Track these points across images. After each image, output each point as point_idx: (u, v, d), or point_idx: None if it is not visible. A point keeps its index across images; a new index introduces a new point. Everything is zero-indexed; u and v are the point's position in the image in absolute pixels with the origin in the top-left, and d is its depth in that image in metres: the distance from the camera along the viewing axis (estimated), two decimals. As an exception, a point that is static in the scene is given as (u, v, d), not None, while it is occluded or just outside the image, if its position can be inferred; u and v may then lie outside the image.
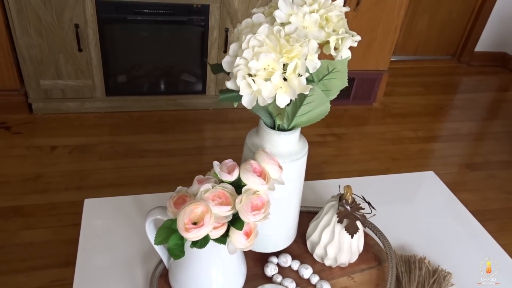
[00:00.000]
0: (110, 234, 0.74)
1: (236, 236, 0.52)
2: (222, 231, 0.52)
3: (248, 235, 0.53)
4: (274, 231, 0.67)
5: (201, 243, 0.51)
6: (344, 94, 2.10)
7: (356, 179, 0.91)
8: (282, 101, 0.47)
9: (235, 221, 0.53)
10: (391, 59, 2.16)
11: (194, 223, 0.49)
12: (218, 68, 0.58)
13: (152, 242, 0.63)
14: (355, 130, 1.94)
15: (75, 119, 1.78)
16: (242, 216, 0.51)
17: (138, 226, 0.76)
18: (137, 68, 1.82)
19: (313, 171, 0.76)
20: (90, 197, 1.38)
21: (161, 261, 0.67)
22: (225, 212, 0.51)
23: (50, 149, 1.60)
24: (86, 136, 1.69)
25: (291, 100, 0.53)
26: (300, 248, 0.73)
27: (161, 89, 1.87)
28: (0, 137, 1.63)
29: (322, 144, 1.79)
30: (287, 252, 0.71)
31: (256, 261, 0.70)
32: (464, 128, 2.06)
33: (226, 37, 1.78)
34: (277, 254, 0.71)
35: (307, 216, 0.77)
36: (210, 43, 1.78)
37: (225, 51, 1.81)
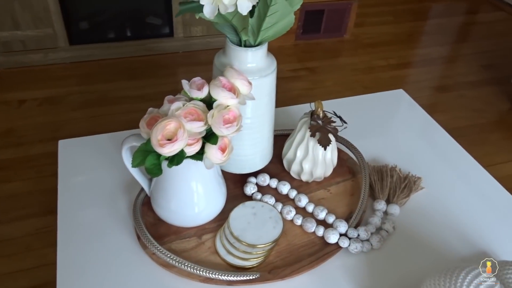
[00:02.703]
0: (88, 171, 0.74)
1: (211, 151, 0.53)
2: (197, 147, 0.53)
3: (223, 150, 0.54)
4: (250, 151, 0.69)
5: (177, 160, 0.52)
6: (314, 27, 2.07)
7: (329, 101, 0.92)
8: (244, 7, 0.46)
9: (210, 137, 0.54)
10: (361, -11, 2.12)
11: (168, 140, 0.50)
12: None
13: (131, 169, 0.64)
14: (327, 62, 1.94)
15: (41, 71, 1.72)
16: (215, 129, 0.52)
17: (116, 161, 0.76)
18: (99, 13, 1.74)
19: (289, 104, 0.77)
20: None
21: (142, 189, 0.69)
22: (198, 127, 0.52)
23: (18, 103, 1.55)
24: (54, 88, 1.64)
25: (253, 11, 0.53)
26: (277, 167, 0.76)
27: (128, 34, 1.81)
28: (-37, 96, 1.57)
29: (296, 78, 1.79)
30: (265, 172, 0.73)
31: (235, 182, 0.73)
32: (434, 53, 2.09)
33: (189, -27, 1.71)
34: (255, 174, 0.73)
35: (282, 139, 0.79)
36: (173, -19, 1.71)
37: (190, -12, 1.74)
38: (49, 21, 1.65)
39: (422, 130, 0.90)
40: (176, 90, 1.67)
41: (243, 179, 0.73)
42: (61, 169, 0.75)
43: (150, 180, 0.66)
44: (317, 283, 0.60)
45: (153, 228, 0.64)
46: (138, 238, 0.63)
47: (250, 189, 0.71)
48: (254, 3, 0.45)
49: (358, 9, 2.13)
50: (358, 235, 0.65)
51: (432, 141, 0.87)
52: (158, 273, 0.60)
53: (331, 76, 1.86)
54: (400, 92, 1.01)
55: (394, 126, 0.91)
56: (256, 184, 0.72)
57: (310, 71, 1.87)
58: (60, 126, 1.48)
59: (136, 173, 0.65)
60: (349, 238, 0.65)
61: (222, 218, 0.66)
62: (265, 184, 0.73)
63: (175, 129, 0.49)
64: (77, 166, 0.75)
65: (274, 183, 0.73)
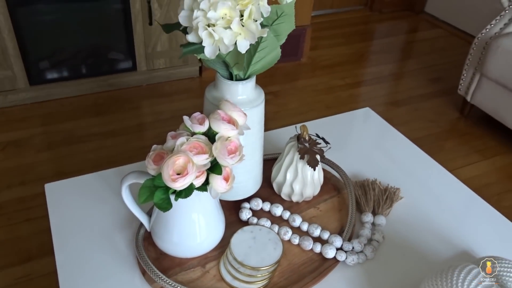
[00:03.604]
0: (80, 213, 0.74)
1: (216, 181, 0.56)
2: (203, 179, 0.55)
3: (226, 179, 0.57)
4: (244, 177, 0.72)
5: (186, 192, 0.54)
6: (273, 53, 2.15)
7: (303, 124, 0.97)
8: (243, 46, 0.50)
9: (214, 168, 0.56)
10: (312, 15, 2.24)
11: (178, 174, 0.52)
12: (169, 27, 0.60)
13: (131, 207, 0.65)
14: (289, 86, 2.02)
15: (1, 114, 1.66)
16: (221, 160, 0.55)
17: (105, 199, 0.76)
18: (59, 52, 1.72)
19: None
20: (37, 191, 1.33)
21: (141, 226, 0.69)
22: (204, 160, 0.54)
23: (-21, 150, 1.49)
24: (16, 130, 1.59)
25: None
26: (267, 191, 0.79)
27: (90, 71, 1.80)
28: None
29: (261, 103, 1.85)
30: (257, 197, 0.76)
31: (229, 209, 0.75)
32: (385, 70, 2.23)
33: (150, 8, 1.74)
34: (248, 200, 0.76)
35: (268, 163, 0.83)
36: (133, 17, 1.73)
37: (151, 23, 1.77)
38: (8, 64, 1.61)
39: (393, 144, 0.97)
40: (142, 124, 1.68)
41: (236, 205, 0.76)
42: (52, 212, 0.74)
43: (149, 215, 0.67)
44: (322, 298, 0.63)
45: (157, 262, 0.65)
46: (143, 273, 0.64)
47: (245, 214, 0.73)
48: (253, 42, 0.49)
49: (312, 33, 2.24)
50: (353, 247, 0.69)
51: (402, 153, 0.94)
52: (168, 306, 0.61)
53: (294, 98, 1.93)
54: (367, 110, 1.09)
55: (366, 141, 0.97)
56: (250, 208, 0.75)
57: (273, 95, 1.94)
58: (27, 170, 1.43)
59: (136, 210, 0.66)
60: (345, 251, 0.69)
61: (223, 245, 0.68)
62: (259, 208, 0.76)
63: (185, 164, 0.52)
64: (67, 208, 0.75)
65: (267, 206, 0.76)
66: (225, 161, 0.54)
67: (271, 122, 1.62)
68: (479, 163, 1.63)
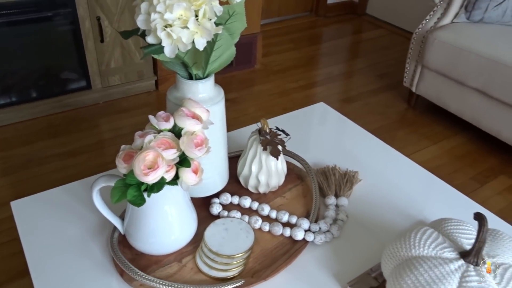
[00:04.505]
0: (50, 227, 0.74)
1: (186, 174, 0.59)
2: (173, 173, 0.58)
3: (195, 172, 0.60)
4: (211, 173, 0.75)
5: (158, 187, 0.57)
6: (226, 62, 2.21)
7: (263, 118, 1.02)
8: (201, 44, 0.54)
9: (183, 162, 0.59)
10: (261, 23, 2.32)
11: (149, 169, 0.55)
12: (127, 33, 0.62)
13: (103, 211, 0.67)
14: (245, 92, 2.07)
15: (-50, 145, 1.60)
16: (189, 153, 0.58)
17: (73, 211, 0.77)
18: (9, 76, 1.68)
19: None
20: (2, 216, 1.29)
21: (114, 230, 0.71)
22: (172, 154, 0.57)
23: None
24: (-31, 159, 1.54)
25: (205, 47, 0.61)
26: (235, 186, 0.83)
27: (43, 93, 1.76)
28: None
29: (220, 111, 1.89)
30: (225, 192, 0.80)
31: (200, 206, 0.78)
32: (335, 71, 2.33)
33: (100, 25, 1.74)
34: (217, 195, 0.79)
35: (233, 160, 0.87)
36: (84, 35, 1.72)
37: (102, 40, 1.77)
38: (-44, 91, 1.56)
39: (348, 133, 1.04)
40: (102, 141, 1.67)
41: (206, 202, 0.79)
42: (21, 229, 0.74)
43: (122, 219, 0.69)
44: (294, 278, 0.67)
45: (134, 263, 0.67)
46: (121, 274, 0.65)
47: (216, 208, 0.76)
48: (209, 39, 0.53)
49: (262, 41, 2.31)
50: (320, 228, 0.74)
51: (358, 141, 1.00)
52: (150, 302, 0.62)
53: (251, 103, 1.99)
54: (322, 105, 1.15)
55: (323, 133, 1.03)
56: (220, 203, 0.78)
57: (231, 102, 1.98)
58: (-15, 198, 1.39)
59: (108, 214, 0.67)
60: (313, 232, 0.73)
61: (196, 240, 0.71)
62: (228, 202, 0.79)
63: (154, 158, 0.54)
64: (37, 223, 0.74)
65: (236, 199, 0.79)
66: (193, 153, 0.57)
67: (232, 128, 1.65)
68: (428, 148, 1.75)
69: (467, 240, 0.60)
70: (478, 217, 0.56)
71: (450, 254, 0.58)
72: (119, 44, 1.82)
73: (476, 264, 0.56)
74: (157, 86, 2.02)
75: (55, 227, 0.74)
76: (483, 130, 1.69)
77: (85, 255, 0.69)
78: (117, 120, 1.79)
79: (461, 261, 0.57)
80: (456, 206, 0.83)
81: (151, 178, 0.53)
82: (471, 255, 0.56)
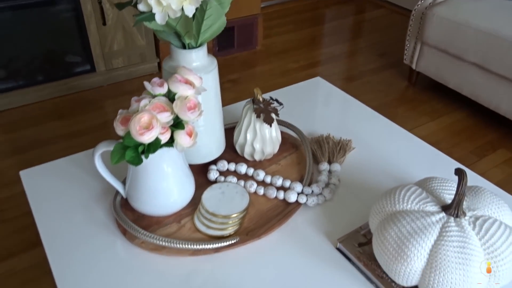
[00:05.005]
0: (57, 194, 0.78)
1: (181, 136, 0.62)
2: (168, 135, 0.61)
3: (190, 134, 0.63)
4: (207, 140, 0.78)
5: (154, 148, 0.60)
6: (229, 43, 2.23)
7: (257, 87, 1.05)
8: (190, 10, 0.57)
9: (177, 125, 0.63)
10: (262, 6, 2.33)
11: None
12: (121, 5, 0.65)
13: (105, 175, 0.70)
14: (247, 73, 2.10)
15: (-39, 127, 1.65)
16: (182, 116, 0.61)
17: (79, 180, 0.81)
18: (15, 60, 1.72)
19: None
20: (9, 194, 1.34)
21: (116, 194, 0.75)
22: (167, 117, 0.61)
23: None
24: (-21, 141, 1.59)
25: (194, 16, 0.64)
26: (231, 155, 0.86)
27: (48, 76, 1.80)
28: None
29: (222, 90, 1.92)
30: (222, 159, 0.83)
31: (198, 173, 0.81)
32: (336, 51, 2.34)
33: (101, 8, 1.77)
34: (214, 162, 0.83)
35: (230, 131, 0.90)
36: (86, 18, 1.75)
37: (104, 23, 1.80)
38: (-36, 74, 1.61)
39: (342, 104, 1.06)
40: (107, 122, 1.72)
41: (204, 168, 0.82)
42: (30, 196, 0.78)
43: (124, 183, 0.73)
44: (287, 236, 0.71)
45: (136, 223, 0.70)
46: (124, 234, 0.69)
47: (213, 174, 0.80)
48: (197, 5, 0.56)
49: (263, 23, 2.33)
50: (312, 191, 0.77)
51: (352, 112, 1.03)
52: (150, 258, 0.66)
53: (252, 84, 2.01)
54: (318, 79, 1.17)
55: (318, 105, 1.06)
56: (217, 170, 0.82)
57: (233, 82, 2.01)
58: (-5, 177, 1.44)
59: (110, 178, 0.71)
60: (306, 195, 0.76)
61: (194, 203, 0.74)
62: (225, 169, 0.82)
63: (149, 120, 0.58)
64: (45, 191, 0.79)
65: (232, 166, 0.83)
66: (186, 116, 0.61)
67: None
68: (428, 124, 1.77)
69: (450, 195, 0.63)
70: (458, 172, 0.59)
71: (432, 207, 0.61)
72: (121, 27, 1.85)
73: (457, 216, 0.59)
74: (159, 68, 2.05)
75: (62, 194, 0.78)
76: (482, 104, 1.70)
77: (91, 218, 0.73)
78: (121, 102, 1.83)
79: (443, 214, 0.60)
80: (448, 172, 0.85)
81: (146, 138, 0.57)
82: (452, 208, 0.59)
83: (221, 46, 2.21)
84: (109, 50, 1.88)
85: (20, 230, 1.24)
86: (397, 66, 2.17)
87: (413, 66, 1.94)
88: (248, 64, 2.17)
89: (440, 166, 0.87)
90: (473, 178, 0.83)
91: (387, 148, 0.91)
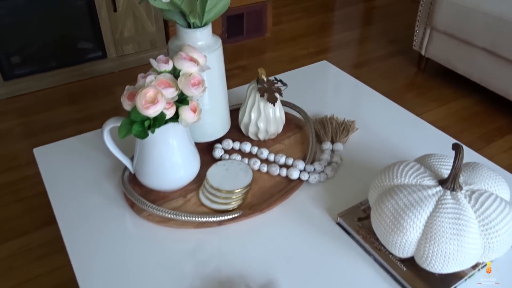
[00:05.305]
0: (68, 170, 0.81)
1: (185, 112, 0.65)
2: (173, 111, 0.64)
3: (194, 110, 0.66)
4: (212, 119, 0.80)
5: (159, 122, 0.63)
6: (238, 30, 2.24)
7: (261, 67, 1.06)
8: (194, -12, 0.58)
9: (182, 101, 0.65)
10: (271, -9, 2.32)
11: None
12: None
13: (114, 151, 0.73)
14: (256, 59, 2.11)
15: (-23, 112, 1.70)
16: (186, 91, 0.63)
17: (90, 157, 0.84)
18: (28, 46, 1.76)
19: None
20: (24, 174, 1.39)
21: (124, 170, 0.78)
22: (171, 93, 0.63)
23: (-40, 144, 1.53)
24: (-5, 124, 1.64)
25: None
26: (237, 135, 0.88)
27: (61, 62, 1.84)
28: None
29: (231, 77, 1.94)
30: (228, 138, 0.85)
31: (204, 151, 0.84)
32: (345, 38, 2.34)
33: (112, -5, 1.79)
34: (220, 141, 0.85)
35: (236, 113, 0.92)
36: (97, 5, 1.78)
37: (115, 9, 1.83)
38: (-20, 60, 1.66)
39: (347, 87, 1.07)
40: (117, 106, 1.75)
41: (210, 147, 0.84)
42: (43, 172, 0.81)
43: (132, 159, 0.75)
44: (289, 211, 0.73)
45: (143, 198, 0.73)
46: (132, 207, 0.72)
47: (218, 152, 0.82)
48: (202, -17, 0.58)
49: (273, 10, 2.33)
50: (314, 168, 0.79)
51: (357, 94, 1.04)
52: (156, 230, 0.69)
53: (261, 70, 2.02)
54: (324, 63, 1.18)
55: (323, 87, 1.07)
56: (222, 148, 0.84)
57: (242, 68, 2.02)
58: (11, 158, 1.48)
59: (119, 154, 0.74)
60: (308, 172, 0.78)
61: (199, 180, 0.77)
62: (230, 147, 0.85)
63: (154, 95, 0.60)
64: (57, 167, 0.82)
65: (237, 145, 0.85)
66: (190, 92, 0.63)
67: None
68: (436, 110, 1.76)
69: (447, 171, 0.65)
70: (455, 147, 0.61)
71: (429, 181, 0.62)
72: (131, 13, 1.87)
73: (453, 190, 0.61)
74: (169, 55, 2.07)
75: (73, 170, 0.81)
76: (491, 90, 1.69)
77: (100, 193, 0.76)
78: (131, 88, 1.86)
79: (439, 187, 0.61)
80: (450, 151, 0.86)
81: (152, 112, 0.59)
82: (448, 182, 0.61)
83: (230, 33, 2.22)
84: (120, 36, 1.91)
85: (35, 209, 1.28)
86: (407, 53, 2.16)
87: (422, 52, 1.93)
88: (257, 51, 2.18)
89: (444, 147, 0.87)
90: (470, 154, 0.84)
91: (390, 129, 0.92)
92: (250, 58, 2.12)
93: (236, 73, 1.99)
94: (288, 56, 2.14)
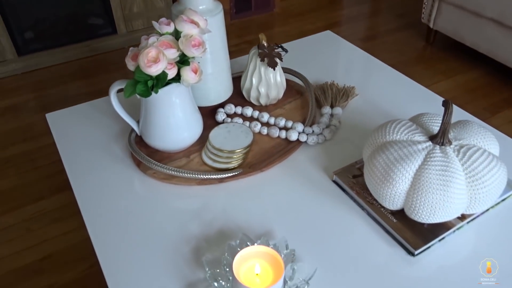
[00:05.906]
0: (78, 133, 0.85)
1: (186, 72, 0.68)
2: (174, 71, 0.67)
3: (195, 71, 0.69)
4: (214, 82, 0.83)
5: (161, 81, 0.66)
6: (246, 6, 2.24)
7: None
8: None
9: (183, 62, 0.68)
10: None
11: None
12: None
13: (121, 112, 0.77)
14: (264, 34, 2.12)
15: (-7, 86, 1.77)
16: (187, 52, 0.66)
17: (99, 121, 0.88)
18: (41, 21, 1.80)
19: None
20: (39, 144, 1.45)
21: (131, 132, 0.82)
22: (173, 53, 0.66)
23: (-21, 117, 1.60)
24: (11, 98, 1.70)
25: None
26: (239, 100, 0.91)
27: (73, 38, 1.88)
28: None
29: (240, 51, 1.95)
30: (230, 103, 0.88)
31: (207, 115, 0.87)
32: (354, 12, 2.32)
33: (121, -30, 1.81)
34: (222, 106, 0.88)
35: (239, 80, 0.95)
36: (106, -20, 1.81)
37: (124, -15, 1.85)
38: (-6, 36, 1.71)
39: (350, 56, 1.09)
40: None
41: (213, 112, 0.88)
42: (56, 135, 0.86)
43: (138, 122, 0.79)
44: (287, 170, 0.76)
45: (149, 157, 0.78)
46: (138, 165, 0.76)
47: (220, 116, 0.86)
48: None
49: (282, -15, 2.33)
50: (313, 130, 0.82)
51: (357, 62, 1.06)
52: (160, 187, 0.73)
53: (269, 45, 2.04)
54: (328, 33, 1.20)
55: (325, 55, 1.09)
56: (224, 112, 0.87)
57: (250, 43, 2.04)
58: (27, 129, 1.55)
59: (125, 115, 0.78)
60: (307, 134, 0.81)
61: (202, 142, 0.80)
62: (232, 112, 0.88)
63: (156, 54, 0.63)
64: (68, 131, 0.86)
65: (239, 109, 0.88)
66: (191, 52, 0.66)
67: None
68: (442, 82, 1.76)
69: (439, 128, 0.67)
70: (445, 103, 0.63)
71: (420, 137, 0.65)
72: (140, -11, 1.89)
73: (442, 144, 0.63)
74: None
75: (84, 133, 0.85)
76: (499, 61, 1.68)
77: (109, 154, 0.80)
78: (141, 63, 1.90)
79: (429, 143, 0.64)
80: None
81: (154, 70, 0.62)
82: (438, 137, 0.63)
83: (238, 9, 2.23)
84: (129, 12, 1.93)
85: (50, 177, 1.34)
86: (416, 26, 2.15)
87: (431, 25, 1.91)
88: (265, 26, 2.19)
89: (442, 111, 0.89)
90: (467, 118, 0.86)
91: (390, 94, 0.94)
92: (258, 33, 2.13)
93: (244, 47, 2.01)
94: (296, 31, 2.14)
